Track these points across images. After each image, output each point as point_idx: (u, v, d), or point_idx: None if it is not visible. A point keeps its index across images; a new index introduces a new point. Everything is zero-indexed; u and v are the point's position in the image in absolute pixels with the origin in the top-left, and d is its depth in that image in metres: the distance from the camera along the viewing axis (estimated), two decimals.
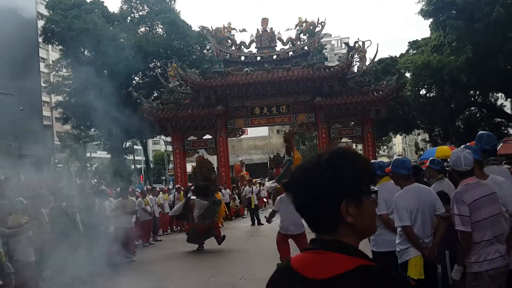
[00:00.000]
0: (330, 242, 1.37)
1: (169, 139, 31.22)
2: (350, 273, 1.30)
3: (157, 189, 18.50)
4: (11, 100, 26.55)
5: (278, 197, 8.96)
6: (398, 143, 66.10)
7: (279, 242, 8.62)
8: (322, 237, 1.40)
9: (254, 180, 24.61)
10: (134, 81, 33.11)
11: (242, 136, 31.03)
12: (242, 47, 26.12)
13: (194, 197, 12.97)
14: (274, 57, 25.80)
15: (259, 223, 17.47)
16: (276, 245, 8.68)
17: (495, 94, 29.64)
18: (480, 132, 4.65)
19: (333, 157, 1.40)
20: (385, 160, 44.42)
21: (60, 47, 33.67)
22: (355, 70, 25.66)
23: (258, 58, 25.82)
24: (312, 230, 1.43)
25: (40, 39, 31.92)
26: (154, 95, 30.38)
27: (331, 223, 1.38)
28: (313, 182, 1.37)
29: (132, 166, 48.18)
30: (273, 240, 13.70)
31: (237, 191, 23.32)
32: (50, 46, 43.80)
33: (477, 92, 29.46)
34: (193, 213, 12.30)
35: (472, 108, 31.11)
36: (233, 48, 26.05)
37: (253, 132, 39.27)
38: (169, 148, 37.94)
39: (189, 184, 22.87)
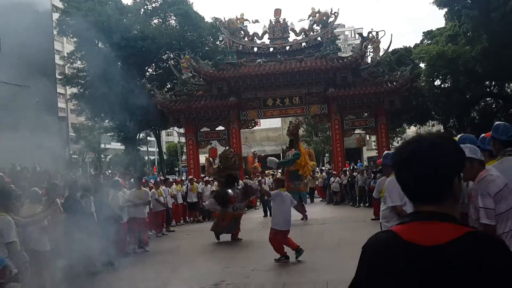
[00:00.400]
0: (437, 213, 1.51)
1: (182, 130, 31.34)
2: (461, 238, 1.44)
3: (170, 180, 18.61)
4: (27, 92, 26.85)
5: (274, 192, 9.34)
6: (412, 134, 65.66)
7: (276, 240, 9.01)
8: (425, 209, 1.52)
9: (266, 171, 24.63)
10: (147, 73, 33.25)
11: (254, 128, 30.97)
12: (255, 38, 26.05)
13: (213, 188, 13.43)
14: (287, 48, 25.69)
15: (271, 214, 17.44)
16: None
17: (511, 84, 29.19)
18: (497, 122, 4.57)
19: (449, 139, 1.60)
20: None
21: (75, 39, 33.88)
22: (369, 61, 25.48)
23: (271, 49, 25.74)
24: (417, 202, 1.56)
25: (55, 32, 32.14)
26: (167, 87, 30.47)
27: (441, 195, 1.53)
28: (438, 158, 1.51)
29: (146, 158, 48.56)
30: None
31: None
32: (64, 38, 44.19)
33: (493, 83, 29.03)
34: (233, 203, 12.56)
35: (488, 98, 30.67)
36: (246, 39, 25.99)
37: (266, 123, 39.17)
38: (182, 139, 38.13)
39: (203, 175, 22.95)
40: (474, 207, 3.96)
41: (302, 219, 15.77)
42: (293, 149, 16.89)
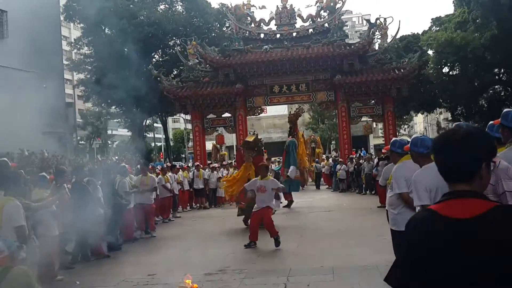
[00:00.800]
0: (468, 191, 1.76)
1: (188, 117, 31.36)
2: (491, 211, 1.70)
3: (177, 166, 18.66)
4: (34, 78, 26.90)
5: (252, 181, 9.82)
6: (419, 122, 65.16)
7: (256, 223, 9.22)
8: (459, 188, 1.78)
9: (273, 158, 24.65)
10: (154, 59, 33.18)
11: (261, 115, 30.96)
12: (262, 24, 25.91)
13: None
14: (294, 34, 25.53)
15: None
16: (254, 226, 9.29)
17: None
18: (506, 110, 4.53)
19: (482, 130, 1.93)
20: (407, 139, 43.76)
21: (82, 25, 33.82)
22: (376, 48, 25.30)
23: (278, 36, 25.60)
24: (453, 181, 1.80)
25: (61, 17, 32.08)
26: (174, 73, 30.42)
27: (473, 176, 1.78)
28: (472, 145, 1.78)
29: (153, 144, 48.69)
30: (293, 217, 13.83)
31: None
32: (72, 24, 44.14)
33: (502, 70, 28.75)
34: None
35: (496, 86, 30.40)
36: (253, 25, 25.85)
37: (272, 110, 39.11)
38: (189, 126, 38.16)
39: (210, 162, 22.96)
40: (493, 192, 3.95)
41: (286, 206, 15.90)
42: (290, 137, 16.91)
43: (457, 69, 29.00)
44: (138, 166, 13.77)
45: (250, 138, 13.68)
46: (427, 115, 49.12)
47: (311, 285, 6.48)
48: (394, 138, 6.47)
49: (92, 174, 9.87)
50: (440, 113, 45.52)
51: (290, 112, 18.80)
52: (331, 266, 7.38)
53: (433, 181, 4.67)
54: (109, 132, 47.90)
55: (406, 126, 53.67)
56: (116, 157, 25.14)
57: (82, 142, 43.49)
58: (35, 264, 6.04)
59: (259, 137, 14.43)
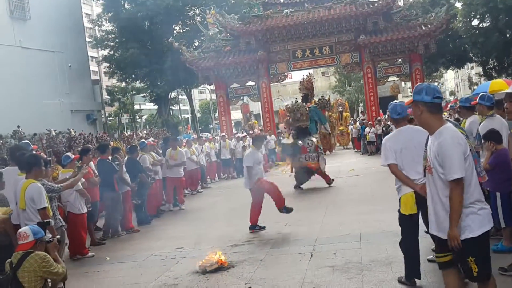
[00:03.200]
0: None
1: (213, 87, 31.28)
2: None
3: (203, 138, 18.67)
4: (60, 57, 27.17)
5: (249, 152, 8.79)
6: (450, 78, 63.27)
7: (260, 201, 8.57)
8: None
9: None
10: (174, 31, 32.96)
11: (286, 81, 30.63)
12: None
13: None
14: None
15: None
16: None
17: None
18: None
19: None
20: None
21: (101, 1, 33.74)
22: (401, 4, 24.44)
23: None
24: None
25: None
26: (195, 44, 30.19)
27: None
28: None
29: (179, 116, 48.99)
30: (318, 186, 13.68)
31: (282, 137, 23.21)
32: (93, 1, 44.14)
33: None
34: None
35: None
36: None
37: (297, 76, 38.64)
38: (214, 96, 38.12)
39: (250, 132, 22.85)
40: None
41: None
42: (309, 103, 16.90)
43: (488, 21, 27.73)
44: (163, 140, 13.82)
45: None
46: (457, 71, 47.58)
47: (337, 253, 6.40)
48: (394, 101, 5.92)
49: (116, 151, 9.90)
50: (471, 68, 44.00)
51: (303, 79, 18.71)
52: (357, 233, 7.27)
53: (397, 143, 4.88)
54: (136, 107, 48.34)
55: (436, 83, 52.28)
56: (145, 131, 25.34)
57: (111, 118, 44.09)
58: (61, 244, 6.15)
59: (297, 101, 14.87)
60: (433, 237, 3.59)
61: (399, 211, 4.95)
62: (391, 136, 5.08)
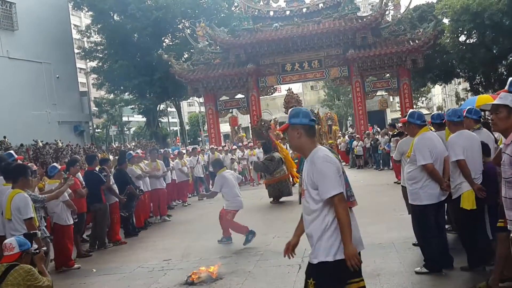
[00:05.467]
0: None
1: (202, 100, 31.27)
2: None
3: (198, 149, 18.50)
4: (47, 68, 27.03)
5: (220, 176, 8.46)
6: (437, 93, 64.02)
7: (232, 221, 8.32)
8: None
9: None
10: (164, 43, 33.00)
11: (275, 94, 30.73)
12: (271, 1, 25.47)
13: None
14: (304, 10, 25.08)
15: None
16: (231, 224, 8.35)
17: None
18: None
19: None
20: (424, 112, 43.10)
21: (90, 12, 33.73)
22: (389, 19, 24.74)
23: (288, 13, 25.15)
24: None
25: (70, 6, 32.02)
26: (185, 57, 30.24)
27: None
28: None
29: (168, 129, 48.84)
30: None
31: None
32: (82, 13, 44.10)
33: None
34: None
35: None
36: (261, 3, 25.47)
37: (286, 89, 38.81)
38: (203, 109, 38.12)
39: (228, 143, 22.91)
40: None
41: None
42: None
43: (475, 37, 28.17)
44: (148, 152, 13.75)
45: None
46: (445, 86, 48.18)
47: None
48: (411, 109, 6.39)
49: (103, 162, 9.81)
50: (459, 83, 44.59)
51: (288, 93, 19.27)
52: None
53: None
54: (124, 118, 48.16)
55: (423, 99, 52.80)
56: (133, 144, 25.21)
57: (99, 130, 43.84)
58: (47, 256, 6.05)
59: (262, 117, 15.14)
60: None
61: (459, 207, 5.28)
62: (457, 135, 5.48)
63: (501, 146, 4.35)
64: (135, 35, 31.03)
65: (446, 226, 6.36)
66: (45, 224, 6.96)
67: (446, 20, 28.63)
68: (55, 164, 8.84)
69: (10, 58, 24.27)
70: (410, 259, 5.97)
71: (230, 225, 8.25)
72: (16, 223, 5.58)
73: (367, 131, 22.70)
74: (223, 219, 8.30)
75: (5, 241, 4.21)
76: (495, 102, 3.74)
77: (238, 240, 8.31)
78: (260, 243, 8.15)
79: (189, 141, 46.57)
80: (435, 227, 5.51)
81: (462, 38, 28.84)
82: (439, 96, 64.80)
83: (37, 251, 4.32)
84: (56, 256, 7.77)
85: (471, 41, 28.55)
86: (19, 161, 7.03)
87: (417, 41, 22.87)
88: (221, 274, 6.37)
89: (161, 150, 15.54)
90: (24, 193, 5.66)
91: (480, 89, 29.95)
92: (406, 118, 5.78)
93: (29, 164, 8.44)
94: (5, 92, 23.00)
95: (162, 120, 43.72)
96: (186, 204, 14.68)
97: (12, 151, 8.38)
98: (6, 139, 12.73)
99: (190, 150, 17.42)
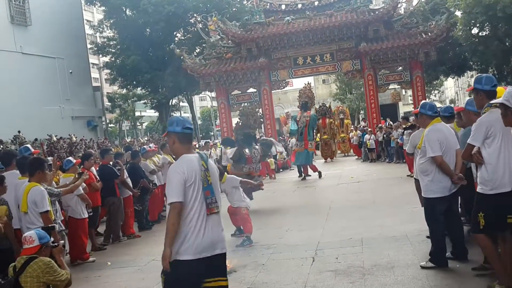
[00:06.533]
0: None
1: (214, 94, 31.31)
2: None
3: (210, 143, 18.52)
4: (60, 63, 27.25)
5: (230, 177, 8.25)
6: (450, 86, 63.35)
7: (248, 216, 8.12)
8: None
9: None
10: (176, 38, 33.03)
11: (287, 88, 30.68)
12: None
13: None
14: (316, 3, 24.95)
15: (307, 175, 17.42)
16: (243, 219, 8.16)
17: None
18: (479, 74, 4.47)
19: None
20: (438, 105, 42.38)
21: (103, 8, 33.84)
22: (402, 12, 24.53)
23: (299, 6, 25.04)
24: None
25: (82, 1, 32.18)
26: (197, 51, 30.23)
27: None
28: None
29: None
30: (320, 191, 13.71)
31: (283, 143, 23.24)
32: (94, 8, 44.27)
33: None
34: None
35: None
36: None
37: (298, 83, 38.70)
38: (215, 103, 38.12)
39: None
40: None
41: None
42: (309, 111, 18.14)
43: (487, 29, 27.73)
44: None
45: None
46: (457, 79, 47.66)
47: (339, 257, 6.39)
48: (423, 101, 6.41)
49: (117, 156, 9.91)
50: (471, 76, 44.05)
51: (303, 87, 19.28)
52: (359, 238, 7.27)
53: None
54: (137, 113, 48.38)
55: (436, 92, 52.28)
56: (146, 138, 25.35)
57: (112, 125, 44.11)
58: (62, 249, 6.13)
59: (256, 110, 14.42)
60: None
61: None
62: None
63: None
64: (147, 30, 31.08)
65: (462, 218, 6.33)
66: (62, 218, 7.07)
67: (458, 13, 28.23)
68: (70, 158, 8.94)
69: (23, 54, 24.50)
70: (424, 252, 5.96)
71: (247, 220, 8.08)
72: (32, 216, 5.65)
73: (380, 125, 22.59)
74: (238, 215, 8.16)
75: (25, 234, 4.28)
76: (500, 100, 3.97)
77: (253, 234, 8.35)
78: (273, 236, 8.19)
79: (201, 135, 46.70)
80: (443, 222, 5.46)
81: (475, 30, 28.43)
82: (451, 89, 64.14)
83: (55, 244, 4.39)
84: (71, 249, 7.88)
85: (484, 33, 28.13)
86: (35, 155, 7.09)
87: (429, 34, 22.68)
88: (235, 267, 6.42)
89: None
90: (40, 186, 5.74)
91: None
92: (418, 109, 5.77)
93: (47, 158, 8.58)
94: (19, 88, 23.25)
95: (174, 115, 43.82)
96: None
97: (28, 145, 8.49)
98: (21, 134, 12.86)
99: (203, 144, 17.52)
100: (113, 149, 13.51)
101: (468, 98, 5.86)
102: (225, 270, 3.88)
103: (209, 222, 3.66)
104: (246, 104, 23.36)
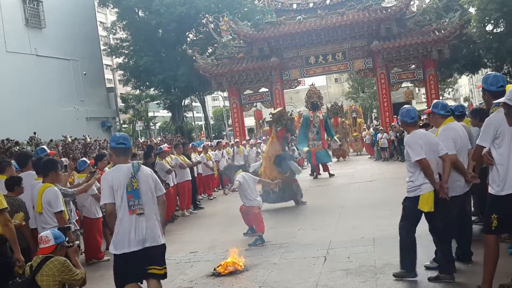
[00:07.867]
0: None
1: (226, 94, 31.40)
2: None
3: (223, 143, 18.58)
4: (75, 65, 27.55)
5: (241, 176, 8.13)
6: (464, 84, 62.72)
7: (260, 215, 8.14)
8: None
9: None
10: (188, 39, 33.22)
11: (299, 87, 30.64)
12: None
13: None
14: (327, 2, 24.91)
15: (318, 174, 17.43)
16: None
17: None
18: (487, 73, 4.44)
19: None
20: (452, 103, 42.23)
21: (116, 9, 34.17)
22: (414, 9, 24.38)
23: (311, 5, 25.03)
24: None
25: (95, 3, 32.51)
26: (209, 51, 30.39)
27: None
28: None
29: (193, 123, 49.22)
30: (332, 190, 13.69)
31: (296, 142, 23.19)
32: (107, 10, 44.67)
33: None
34: None
35: None
36: None
37: (310, 82, 38.62)
38: (227, 103, 38.23)
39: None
40: None
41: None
42: (320, 111, 18.63)
43: (502, 26, 27.44)
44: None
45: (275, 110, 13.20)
46: (471, 77, 47.16)
47: (351, 256, 6.41)
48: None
49: (132, 157, 9.98)
50: (486, 73, 43.58)
51: (310, 88, 19.46)
52: (371, 237, 7.27)
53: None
54: (150, 114, 48.69)
55: (450, 90, 51.81)
56: (159, 138, 25.53)
57: (125, 125, 44.47)
58: (77, 249, 6.23)
59: (287, 110, 14.11)
60: None
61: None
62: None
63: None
64: (160, 31, 31.31)
65: (473, 218, 6.30)
66: (76, 217, 7.17)
67: (472, 9, 27.99)
68: (84, 158, 9.06)
69: (38, 56, 24.83)
70: (433, 252, 5.95)
71: (259, 219, 8.08)
72: (47, 216, 5.75)
73: (392, 123, 22.47)
74: (251, 215, 8.15)
75: (41, 234, 4.37)
76: (502, 100, 3.99)
77: (265, 232, 8.39)
78: (286, 235, 8.22)
79: (213, 135, 46.85)
80: (454, 225, 5.42)
81: (489, 27, 28.13)
82: (465, 87, 63.48)
83: (71, 244, 4.47)
84: (85, 248, 8.00)
85: (498, 30, 27.83)
86: (50, 156, 7.20)
87: (442, 31, 22.49)
88: (247, 266, 6.47)
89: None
90: (54, 187, 5.83)
91: (508, 79, 29.23)
92: (431, 108, 5.76)
93: (62, 159, 8.69)
94: (34, 89, 23.57)
95: (187, 115, 44.04)
96: (212, 198, 14.85)
97: (44, 146, 8.62)
98: (36, 135, 13.05)
99: (215, 144, 17.59)
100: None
101: (435, 100, 5.93)
102: (160, 260, 4.56)
103: (139, 221, 4.35)
104: (258, 108, 23.33)
